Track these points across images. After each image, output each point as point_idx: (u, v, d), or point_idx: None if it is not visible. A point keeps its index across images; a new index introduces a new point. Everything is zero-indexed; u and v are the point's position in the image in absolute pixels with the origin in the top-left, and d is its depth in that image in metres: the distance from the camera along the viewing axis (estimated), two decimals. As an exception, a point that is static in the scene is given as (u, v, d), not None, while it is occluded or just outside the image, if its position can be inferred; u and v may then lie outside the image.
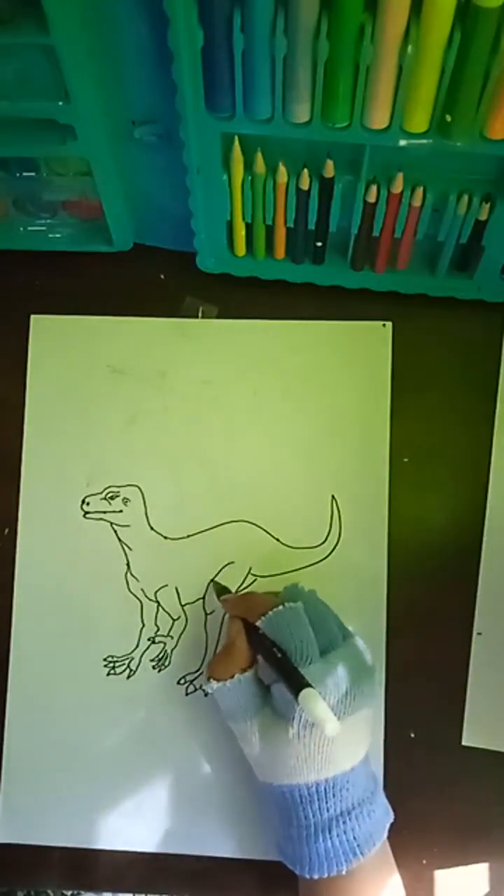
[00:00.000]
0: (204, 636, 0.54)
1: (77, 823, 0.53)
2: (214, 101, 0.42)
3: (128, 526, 0.55)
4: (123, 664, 0.54)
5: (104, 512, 0.55)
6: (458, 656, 0.53)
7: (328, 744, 0.43)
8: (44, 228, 0.56)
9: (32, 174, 0.52)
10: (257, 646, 0.46)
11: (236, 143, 0.46)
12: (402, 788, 0.50)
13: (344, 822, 0.43)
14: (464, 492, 0.55)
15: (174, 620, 0.54)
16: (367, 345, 0.56)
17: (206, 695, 0.52)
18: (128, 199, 0.53)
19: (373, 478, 0.55)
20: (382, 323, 0.56)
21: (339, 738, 0.43)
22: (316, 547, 0.54)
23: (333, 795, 0.43)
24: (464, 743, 0.52)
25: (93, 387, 0.57)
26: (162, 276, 0.58)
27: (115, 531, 0.55)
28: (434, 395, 0.56)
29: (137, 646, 0.54)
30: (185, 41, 0.39)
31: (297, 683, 0.41)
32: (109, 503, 0.55)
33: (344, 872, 0.43)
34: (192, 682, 0.53)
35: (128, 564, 0.55)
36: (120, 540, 0.55)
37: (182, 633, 0.54)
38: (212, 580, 0.54)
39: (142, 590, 0.54)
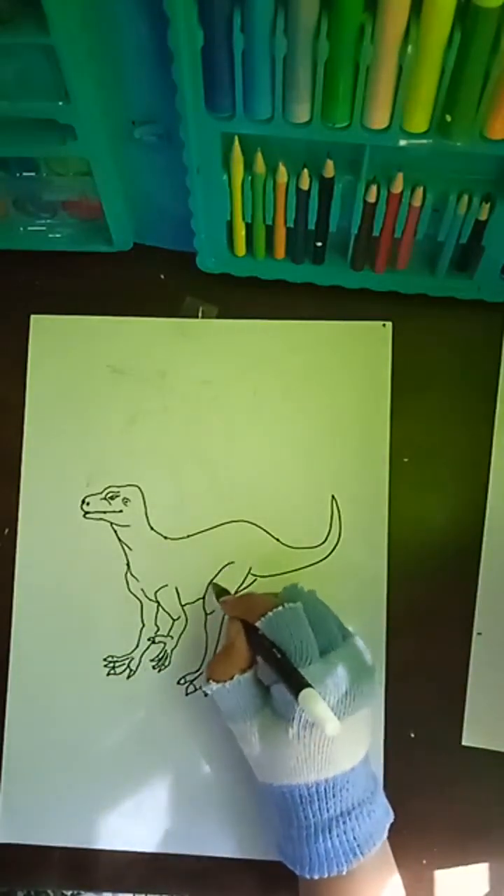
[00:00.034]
0: (204, 636, 0.54)
1: (77, 823, 0.53)
2: (214, 101, 0.42)
3: (128, 526, 0.55)
4: (123, 664, 0.54)
5: (104, 512, 0.55)
6: (458, 656, 0.53)
7: (328, 744, 0.43)
8: (44, 228, 0.56)
9: (32, 174, 0.52)
10: (257, 646, 0.46)
11: (236, 143, 0.46)
12: (402, 788, 0.50)
13: (344, 823, 0.43)
14: (464, 492, 0.55)
15: (174, 620, 0.54)
16: (367, 345, 0.56)
17: (205, 695, 0.52)
18: (128, 199, 0.53)
19: (373, 478, 0.55)
20: (382, 323, 0.56)
21: (339, 738, 0.43)
22: (316, 547, 0.54)
23: (333, 796, 0.43)
24: (464, 743, 0.52)
25: (93, 387, 0.57)
26: (162, 276, 0.58)
27: (115, 531, 0.55)
28: (434, 395, 0.56)
29: (137, 646, 0.54)
30: (185, 41, 0.39)
31: (297, 684, 0.41)
32: (109, 503, 0.55)
33: (344, 872, 0.43)
34: (192, 682, 0.53)
35: (128, 564, 0.55)
36: (120, 540, 0.55)
37: (182, 633, 0.54)
38: (211, 581, 0.54)
39: (142, 590, 0.54)
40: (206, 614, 0.54)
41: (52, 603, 0.55)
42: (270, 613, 0.45)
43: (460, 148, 0.42)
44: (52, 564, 0.55)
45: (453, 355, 0.56)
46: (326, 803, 0.43)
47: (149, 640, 0.54)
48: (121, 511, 0.55)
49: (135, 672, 0.54)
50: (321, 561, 0.54)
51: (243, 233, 0.53)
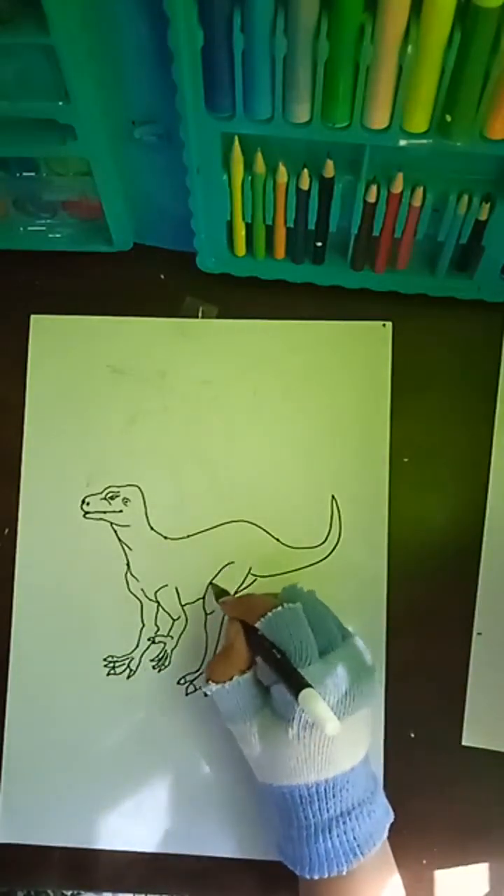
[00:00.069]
0: (204, 636, 0.54)
1: (77, 823, 0.53)
2: (214, 101, 0.42)
3: (128, 526, 0.55)
4: (123, 664, 0.54)
5: (104, 512, 0.55)
6: (458, 656, 0.53)
7: (328, 744, 0.43)
8: (44, 228, 0.56)
9: (32, 174, 0.52)
10: (256, 647, 0.46)
11: (236, 143, 0.46)
12: (402, 788, 0.50)
13: (344, 823, 0.43)
14: (464, 492, 0.55)
15: (174, 620, 0.54)
16: (367, 345, 0.56)
17: (205, 695, 0.52)
18: (128, 199, 0.53)
19: (373, 478, 0.55)
20: (382, 323, 0.56)
21: (339, 738, 0.43)
22: (316, 547, 0.54)
23: (333, 796, 0.43)
24: (464, 743, 0.52)
25: (93, 387, 0.57)
26: (162, 276, 0.58)
27: (115, 531, 0.55)
28: (434, 395, 0.56)
29: (137, 646, 0.54)
30: (185, 41, 0.39)
31: (297, 684, 0.41)
32: (109, 503, 0.55)
33: (344, 873, 0.43)
34: (192, 682, 0.53)
35: (128, 564, 0.55)
36: (120, 540, 0.55)
37: (182, 633, 0.54)
38: (211, 582, 0.54)
39: (142, 590, 0.54)
40: (206, 614, 0.54)
41: (52, 603, 0.55)
42: (270, 614, 0.45)
43: (460, 148, 0.42)
44: (52, 564, 0.55)
45: (453, 355, 0.56)
46: (326, 803, 0.43)
47: (149, 640, 0.54)
48: (121, 511, 0.55)
49: (135, 672, 0.54)
50: (321, 561, 0.54)
51: (243, 233, 0.53)
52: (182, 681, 0.54)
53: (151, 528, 0.55)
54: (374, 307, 0.56)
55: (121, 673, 0.54)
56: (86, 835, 0.53)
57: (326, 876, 0.43)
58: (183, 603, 0.54)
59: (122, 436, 0.56)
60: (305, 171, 0.47)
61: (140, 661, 0.54)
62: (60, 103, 0.44)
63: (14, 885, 0.72)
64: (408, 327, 0.56)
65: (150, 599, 0.54)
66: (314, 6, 0.37)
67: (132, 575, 0.54)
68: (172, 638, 0.54)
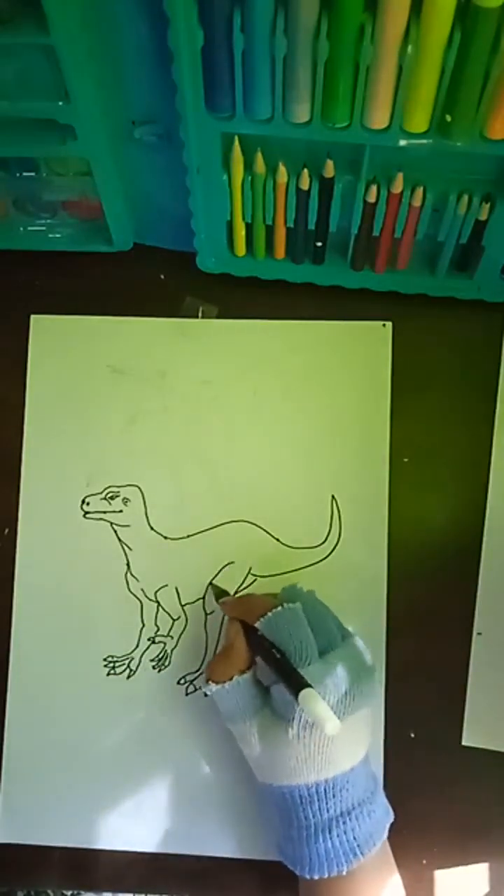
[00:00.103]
0: (204, 636, 0.54)
1: (77, 823, 0.53)
2: (214, 101, 0.42)
3: (128, 526, 0.55)
4: (123, 664, 0.54)
5: (104, 512, 0.55)
6: (458, 656, 0.53)
7: (328, 744, 0.43)
8: (44, 228, 0.56)
9: (32, 174, 0.52)
10: (256, 647, 0.46)
11: (236, 143, 0.46)
12: (402, 788, 0.50)
13: (344, 823, 0.43)
14: (464, 492, 0.55)
15: (174, 620, 0.54)
16: (367, 345, 0.56)
17: (205, 695, 0.52)
18: (128, 199, 0.53)
19: (373, 478, 0.55)
20: (382, 323, 0.56)
21: (339, 738, 0.43)
22: (316, 547, 0.54)
23: (333, 796, 0.43)
24: (464, 743, 0.52)
25: (93, 387, 0.57)
26: (162, 276, 0.58)
27: (115, 531, 0.55)
28: (434, 395, 0.56)
29: (137, 646, 0.54)
30: (185, 41, 0.39)
31: (297, 684, 0.41)
32: (109, 503, 0.55)
33: (344, 873, 0.43)
34: (192, 682, 0.53)
35: (128, 564, 0.55)
36: (120, 540, 0.55)
37: (182, 633, 0.54)
38: (211, 582, 0.54)
39: (142, 590, 0.54)
40: (206, 614, 0.54)
41: (52, 603, 0.55)
42: (269, 614, 0.45)
43: (460, 148, 0.42)
44: (52, 564, 0.55)
45: (453, 355, 0.56)
46: (326, 803, 0.43)
47: (149, 640, 0.54)
48: (121, 511, 0.55)
49: (135, 672, 0.54)
50: (321, 561, 0.54)
51: (243, 233, 0.53)
52: (182, 681, 0.54)
53: (151, 528, 0.55)
54: (374, 307, 0.56)
55: (121, 673, 0.54)
56: (86, 835, 0.53)
57: (326, 876, 0.43)
58: (183, 603, 0.54)
59: (122, 436, 0.56)
60: (305, 171, 0.47)
61: (140, 661, 0.54)
62: (60, 103, 0.44)
63: (14, 885, 0.72)
64: (408, 327, 0.56)
65: (150, 599, 0.54)
66: (314, 6, 0.37)
67: (132, 575, 0.54)
68: (172, 638, 0.54)
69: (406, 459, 0.55)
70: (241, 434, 0.56)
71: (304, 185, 0.48)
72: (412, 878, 0.50)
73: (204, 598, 0.54)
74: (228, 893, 0.52)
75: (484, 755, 0.52)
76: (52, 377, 0.57)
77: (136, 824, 0.52)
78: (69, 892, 0.75)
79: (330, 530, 0.54)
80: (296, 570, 0.54)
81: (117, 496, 0.55)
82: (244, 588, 0.54)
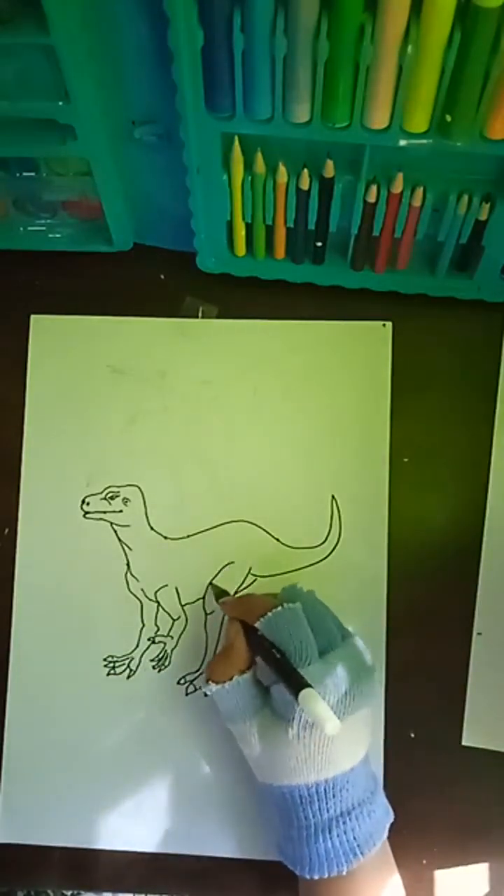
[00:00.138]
0: (204, 636, 0.54)
1: (77, 823, 0.53)
2: (214, 101, 0.42)
3: (128, 526, 0.55)
4: (123, 664, 0.54)
5: (104, 512, 0.55)
6: (458, 656, 0.53)
7: (328, 744, 0.43)
8: (44, 228, 0.56)
9: (32, 174, 0.52)
10: (256, 647, 0.46)
11: (236, 143, 0.46)
12: (402, 788, 0.50)
13: (344, 823, 0.43)
14: (464, 492, 0.55)
15: (174, 620, 0.54)
16: (367, 345, 0.56)
17: (205, 695, 0.52)
18: (128, 199, 0.53)
19: (373, 478, 0.55)
20: (382, 323, 0.56)
21: (339, 738, 0.43)
22: (316, 547, 0.54)
23: (333, 796, 0.43)
24: (464, 743, 0.52)
25: (93, 387, 0.57)
26: (162, 276, 0.58)
27: (115, 531, 0.55)
28: (434, 395, 0.56)
29: (137, 646, 0.54)
30: (185, 41, 0.39)
31: (297, 684, 0.41)
32: (109, 503, 0.55)
33: (344, 873, 0.43)
34: (192, 682, 0.53)
35: (128, 564, 0.55)
36: (120, 540, 0.55)
37: (182, 633, 0.54)
38: (211, 582, 0.54)
39: (142, 590, 0.54)
40: (206, 614, 0.54)
41: (52, 603, 0.55)
42: (269, 614, 0.45)
43: (460, 148, 0.42)
44: (52, 564, 0.55)
45: (453, 355, 0.56)
46: (326, 803, 0.43)
47: (149, 640, 0.54)
48: (121, 511, 0.55)
49: (135, 672, 0.54)
50: (321, 561, 0.54)
51: (243, 233, 0.53)
52: (182, 681, 0.54)
53: (151, 528, 0.55)
54: (374, 307, 0.56)
55: (121, 673, 0.54)
56: (86, 835, 0.53)
57: (326, 876, 0.43)
58: (183, 603, 0.54)
59: (122, 436, 0.56)
60: (305, 171, 0.47)
61: (140, 661, 0.54)
62: (60, 103, 0.44)
63: (14, 885, 0.72)
64: (408, 327, 0.56)
65: (150, 599, 0.54)
66: (314, 6, 0.37)
67: (132, 575, 0.54)
68: (172, 638, 0.54)
69: (406, 459, 0.55)
70: (241, 434, 0.56)
71: (304, 185, 0.48)
72: (412, 878, 0.50)
73: (204, 598, 0.54)
74: (228, 893, 0.52)
75: (484, 755, 0.52)
76: (52, 377, 0.57)
77: (136, 824, 0.52)
78: (69, 892, 0.75)
79: (330, 530, 0.54)
80: (296, 570, 0.54)
81: (117, 496, 0.55)
82: (244, 588, 0.54)
